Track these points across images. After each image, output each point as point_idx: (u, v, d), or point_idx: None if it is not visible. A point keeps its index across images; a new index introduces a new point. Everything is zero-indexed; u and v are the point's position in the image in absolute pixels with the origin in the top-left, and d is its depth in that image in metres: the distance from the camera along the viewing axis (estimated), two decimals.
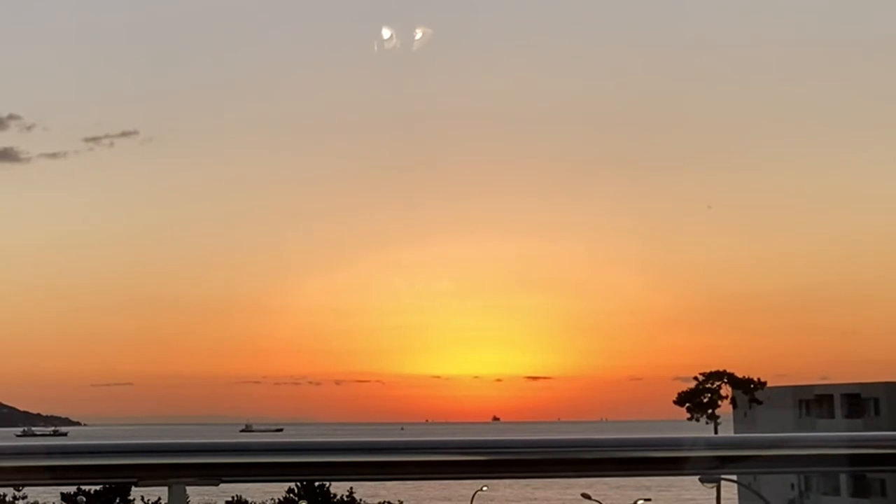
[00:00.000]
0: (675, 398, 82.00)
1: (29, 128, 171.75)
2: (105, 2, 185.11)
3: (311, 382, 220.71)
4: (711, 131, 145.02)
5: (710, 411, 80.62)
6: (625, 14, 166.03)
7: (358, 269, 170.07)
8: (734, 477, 45.08)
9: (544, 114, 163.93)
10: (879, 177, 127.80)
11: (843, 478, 66.75)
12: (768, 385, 79.56)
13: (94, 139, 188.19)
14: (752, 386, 79.12)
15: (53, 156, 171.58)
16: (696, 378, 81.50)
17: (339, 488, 62.45)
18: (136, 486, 3.09)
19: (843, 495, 69.57)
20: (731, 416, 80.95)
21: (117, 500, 61.22)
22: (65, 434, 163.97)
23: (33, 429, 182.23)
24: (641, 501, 55.61)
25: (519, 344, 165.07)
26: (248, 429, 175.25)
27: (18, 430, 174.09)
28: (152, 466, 3.08)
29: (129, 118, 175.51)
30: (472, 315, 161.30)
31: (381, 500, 64.12)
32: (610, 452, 3.16)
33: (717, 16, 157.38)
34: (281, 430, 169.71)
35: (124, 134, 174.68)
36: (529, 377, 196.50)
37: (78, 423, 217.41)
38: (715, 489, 64.71)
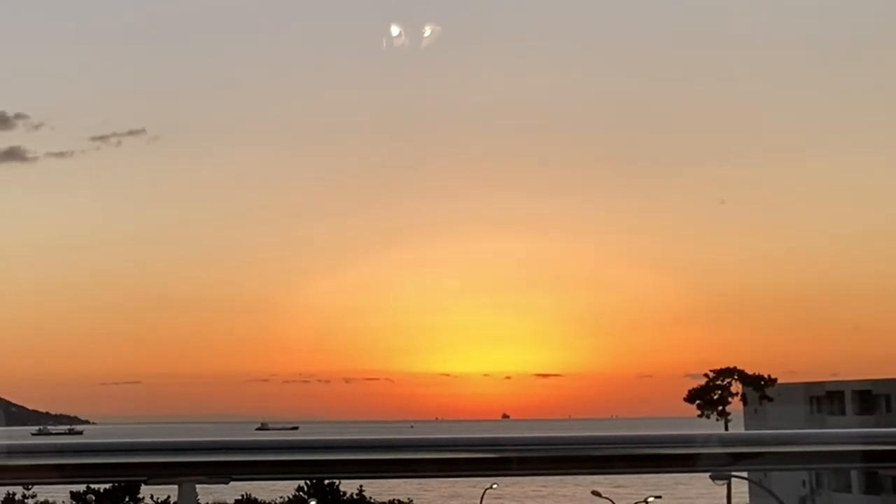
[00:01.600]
0: (685, 395, 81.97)
1: (36, 127, 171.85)
2: (112, 0, 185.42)
3: (320, 380, 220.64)
4: (721, 128, 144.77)
5: (720, 408, 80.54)
6: (635, 10, 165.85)
7: (366, 267, 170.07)
8: (745, 474, 45.04)
9: (554, 111, 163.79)
10: (893, 171, 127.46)
11: (854, 474, 66.66)
12: (779, 382, 79.44)
13: (102, 138, 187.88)
14: (762, 383, 79.02)
15: (60, 155, 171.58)
16: (706, 375, 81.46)
17: (348, 486, 62.54)
18: (146, 484, 3.09)
19: (855, 492, 69.45)
20: (742, 413, 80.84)
21: (127, 499, 61.38)
22: (80, 433, 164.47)
23: (49, 427, 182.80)
24: (652, 499, 55.61)
25: (528, 341, 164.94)
26: (264, 427, 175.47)
27: (34, 428, 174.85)
28: (162, 465, 3.08)
29: (137, 117, 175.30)
30: (481, 313, 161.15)
31: (391, 498, 64.20)
32: (620, 449, 3.16)
33: (727, 11, 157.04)
34: (296, 427, 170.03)
35: (131, 133, 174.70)
36: (539, 375, 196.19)
37: (87, 422, 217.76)
38: (726, 486, 64.70)
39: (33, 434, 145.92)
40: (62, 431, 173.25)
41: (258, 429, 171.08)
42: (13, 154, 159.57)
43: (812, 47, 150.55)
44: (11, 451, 3.04)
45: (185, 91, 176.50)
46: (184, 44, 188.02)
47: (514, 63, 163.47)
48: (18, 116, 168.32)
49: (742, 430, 61.80)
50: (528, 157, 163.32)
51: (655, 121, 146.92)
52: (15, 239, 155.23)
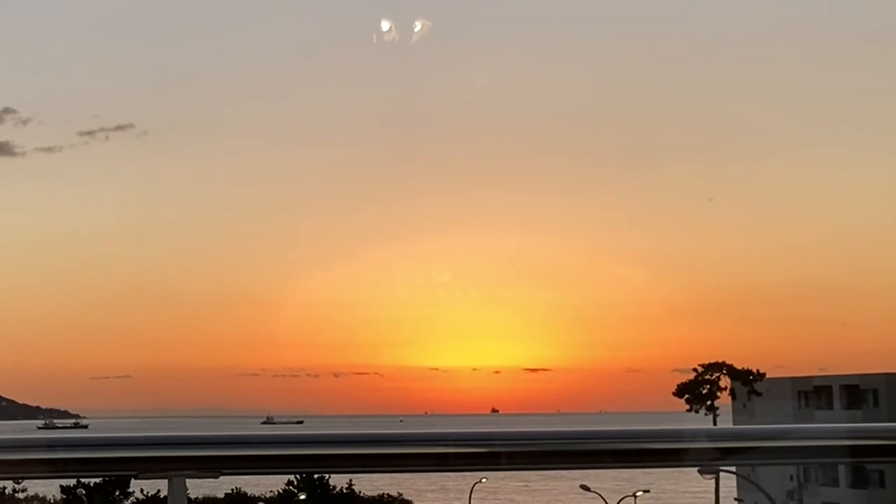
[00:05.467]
0: (674, 390, 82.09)
1: (24, 122, 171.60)
2: None
3: (309, 375, 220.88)
4: (711, 124, 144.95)
5: (709, 403, 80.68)
6: (625, 6, 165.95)
7: (356, 262, 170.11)
8: (733, 468, 45.13)
9: (543, 107, 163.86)
10: (879, 169, 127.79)
11: (841, 469, 66.84)
12: (767, 376, 79.61)
13: (90, 133, 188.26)
14: (750, 377, 79.16)
15: (49, 150, 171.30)
16: (695, 369, 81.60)
17: (338, 480, 62.52)
18: (136, 478, 3.10)
19: (842, 486, 69.66)
20: (730, 408, 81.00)
21: (117, 493, 61.33)
22: (86, 427, 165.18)
23: (55, 421, 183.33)
24: (641, 493, 55.74)
25: (517, 336, 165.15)
26: (269, 421, 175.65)
27: (40, 422, 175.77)
28: (152, 459, 3.08)
29: (125, 112, 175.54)
30: (471, 307, 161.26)
31: (380, 493, 64.25)
32: (609, 444, 3.17)
33: (718, 7, 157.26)
34: (301, 422, 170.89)
35: (119, 128, 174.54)
36: (528, 369, 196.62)
37: (77, 416, 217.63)
38: (714, 480, 64.86)
39: (39, 428, 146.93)
40: (68, 425, 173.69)
41: (263, 422, 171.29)
42: (1, 149, 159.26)
43: (807, 43, 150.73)
44: (1, 446, 3.04)
45: (174, 86, 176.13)
46: (173, 39, 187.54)
47: (505, 60, 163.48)
48: (7, 111, 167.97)
49: (730, 425, 61.90)
50: (518, 153, 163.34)
51: (645, 117, 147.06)
52: (4, 234, 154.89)
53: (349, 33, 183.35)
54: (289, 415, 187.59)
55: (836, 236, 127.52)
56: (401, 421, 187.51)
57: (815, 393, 74.86)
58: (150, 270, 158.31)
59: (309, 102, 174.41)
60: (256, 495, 63.62)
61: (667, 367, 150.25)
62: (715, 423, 73.76)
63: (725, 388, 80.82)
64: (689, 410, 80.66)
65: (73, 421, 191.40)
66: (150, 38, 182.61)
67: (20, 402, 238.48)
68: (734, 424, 67.96)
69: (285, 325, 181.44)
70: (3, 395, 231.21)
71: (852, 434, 3.20)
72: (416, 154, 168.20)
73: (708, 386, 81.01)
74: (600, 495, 51.88)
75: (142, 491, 60.36)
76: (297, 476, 59.44)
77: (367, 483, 63.98)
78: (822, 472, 70.14)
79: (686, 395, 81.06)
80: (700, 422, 74.85)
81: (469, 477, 59.95)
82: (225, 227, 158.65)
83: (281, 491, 62.33)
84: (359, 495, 63.07)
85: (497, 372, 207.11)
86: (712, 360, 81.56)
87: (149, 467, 3.08)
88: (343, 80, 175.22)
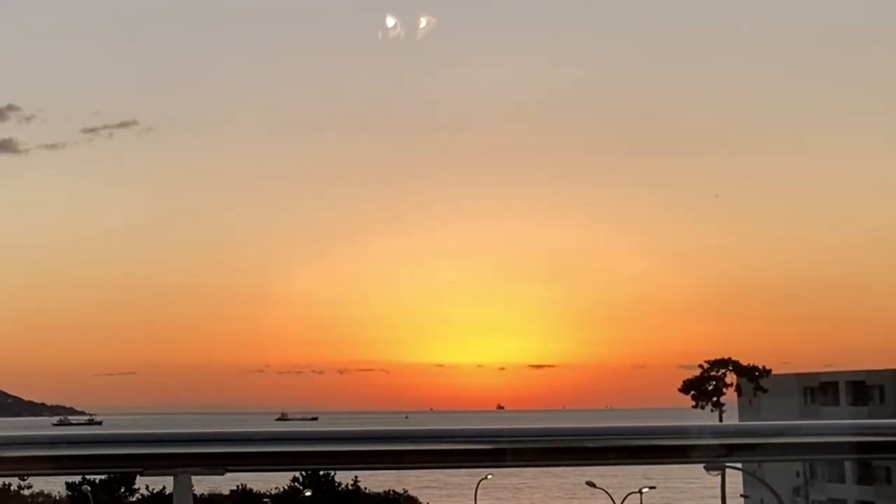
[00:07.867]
0: (679, 386, 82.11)
1: (28, 119, 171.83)
2: None
3: (314, 371, 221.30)
4: (720, 120, 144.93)
5: (715, 399, 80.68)
6: (627, 3, 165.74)
7: (361, 258, 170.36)
8: (739, 465, 45.11)
9: (550, 102, 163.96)
10: (886, 166, 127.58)
11: (848, 465, 66.82)
12: (773, 373, 79.61)
13: (93, 130, 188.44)
14: (756, 374, 79.14)
15: (52, 147, 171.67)
16: (701, 366, 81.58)
17: (343, 477, 62.58)
18: (142, 475, 3.10)
19: (849, 483, 69.62)
20: (736, 404, 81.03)
21: (122, 490, 61.43)
22: (100, 423, 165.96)
23: (70, 418, 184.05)
24: (647, 489, 55.76)
25: (523, 332, 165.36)
26: (284, 417, 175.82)
27: (55, 419, 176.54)
28: (158, 456, 3.08)
29: (128, 109, 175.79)
30: (476, 303, 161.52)
31: (386, 489, 64.29)
32: (615, 441, 3.16)
33: (726, 3, 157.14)
34: (316, 418, 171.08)
35: (123, 124, 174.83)
36: (533, 366, 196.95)
37: (83, 413, 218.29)
38: (720, 477, 64.82)
39: (54, 424, 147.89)
40: (82, 422, 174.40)
41: (278, 419, 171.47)
42: (5, 146, 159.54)
43: (814, 37, 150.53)
44: (6, 443, 3.03)
45: (177, 83, 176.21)
46: (176, 35, 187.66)
47: (511, 55, 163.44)
48: (10, 108, 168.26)
49: (736, 422, 61.82)
50: (526, 148, 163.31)
51: (654, 113, 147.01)
52: (8, 231, 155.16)
53: (353, 30, 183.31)
54: (296, 411, 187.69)
55: (843, 232, 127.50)
56: (406, 417, 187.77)
57: (821, 389, 74.80)
58: (155, 267, 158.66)
59: (312, 99, 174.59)
60: (262, 492, 63.66)
61: (673, 363, 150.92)
62: (721, 420, 73.74)
63: (731, 385, 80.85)
64: (695, 407, 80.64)
65: (88, 417, 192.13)
66: (152, 35, 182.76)
67: (26, 398, 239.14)
68: (740, 421, 67.95)
69: (290, 321, 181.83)
70: (9, 392, 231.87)
71: (858, 430, 3.19)
72: (421, 150, 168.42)
73: (714, 382, 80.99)
74: (606, 492, 51.91)
75: (147, 487, 60.40)
76: (303, 473, 59.49)
77: (373, 480, 64.01)
78: (828, 469, 70.11)
79: (692, 392, 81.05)
80: (706, 418, 74.79)
81: (475, 473, 60.03)
82: (229, 223, 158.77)
83: (286, 487, 62.36)
84: (364, 492, 63.11)
85: (502, 368, 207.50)
86: (718, 357, 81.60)
87: (154, 464, 3.08)
88: (346, 77, 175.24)
